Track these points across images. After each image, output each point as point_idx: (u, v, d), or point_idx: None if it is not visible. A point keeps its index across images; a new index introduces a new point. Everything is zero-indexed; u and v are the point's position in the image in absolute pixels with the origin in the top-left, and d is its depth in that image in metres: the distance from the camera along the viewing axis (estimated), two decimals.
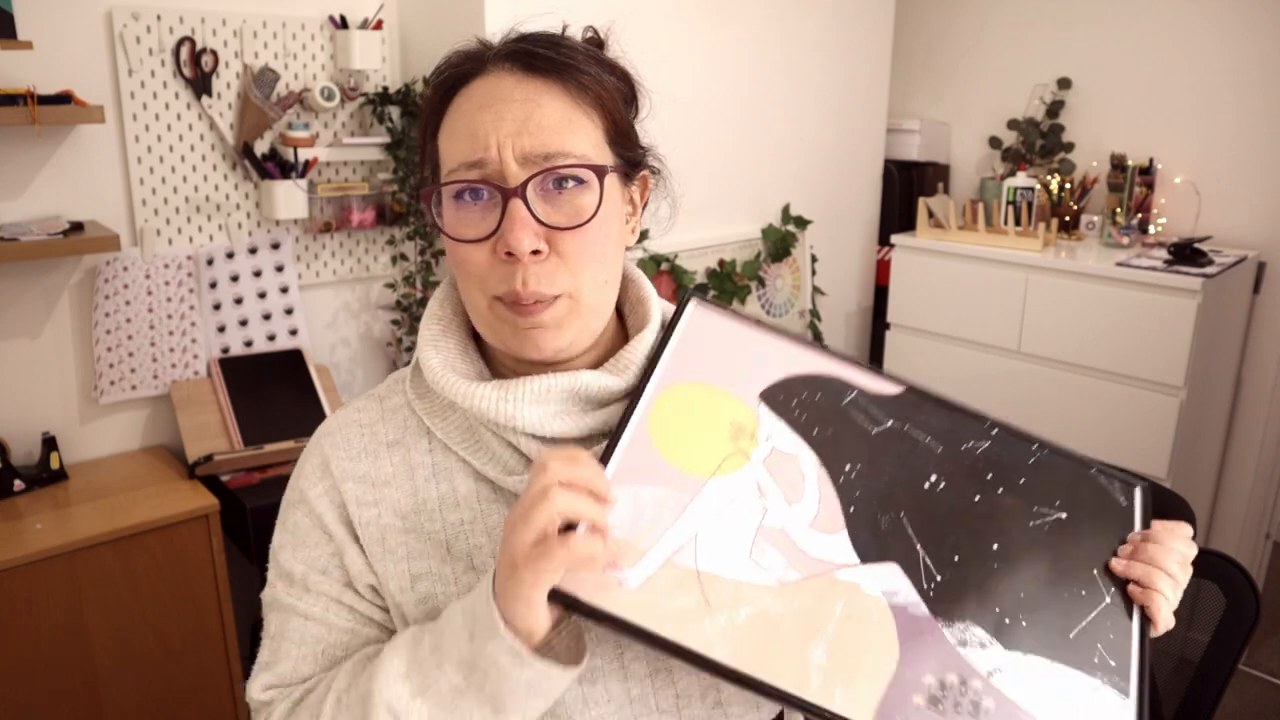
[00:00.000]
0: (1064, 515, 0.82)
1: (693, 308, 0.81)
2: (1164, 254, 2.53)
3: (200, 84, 2.09)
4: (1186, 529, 0.82)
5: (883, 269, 3.16)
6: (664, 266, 2.54)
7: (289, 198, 2.19)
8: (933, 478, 0.80)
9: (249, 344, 2.28)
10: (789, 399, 0.79)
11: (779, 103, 2.76)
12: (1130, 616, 0.79)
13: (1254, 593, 1.22)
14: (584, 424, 0.79)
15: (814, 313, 2.97)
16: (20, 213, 1.94)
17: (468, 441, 0.82)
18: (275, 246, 2.29)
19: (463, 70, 0.78)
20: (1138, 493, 0.85)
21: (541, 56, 0.76)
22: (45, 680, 1.78)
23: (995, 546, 0.78)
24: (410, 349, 2.43)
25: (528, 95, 0.75)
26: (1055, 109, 2.94)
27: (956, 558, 0.77)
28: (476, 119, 0.75)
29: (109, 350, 2.08)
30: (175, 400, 2.13)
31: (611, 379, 0.80)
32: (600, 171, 0.76)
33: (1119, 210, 2.75)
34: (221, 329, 2.24)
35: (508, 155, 0.74)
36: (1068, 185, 2.84)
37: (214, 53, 2.09)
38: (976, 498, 0.80)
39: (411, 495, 0.82)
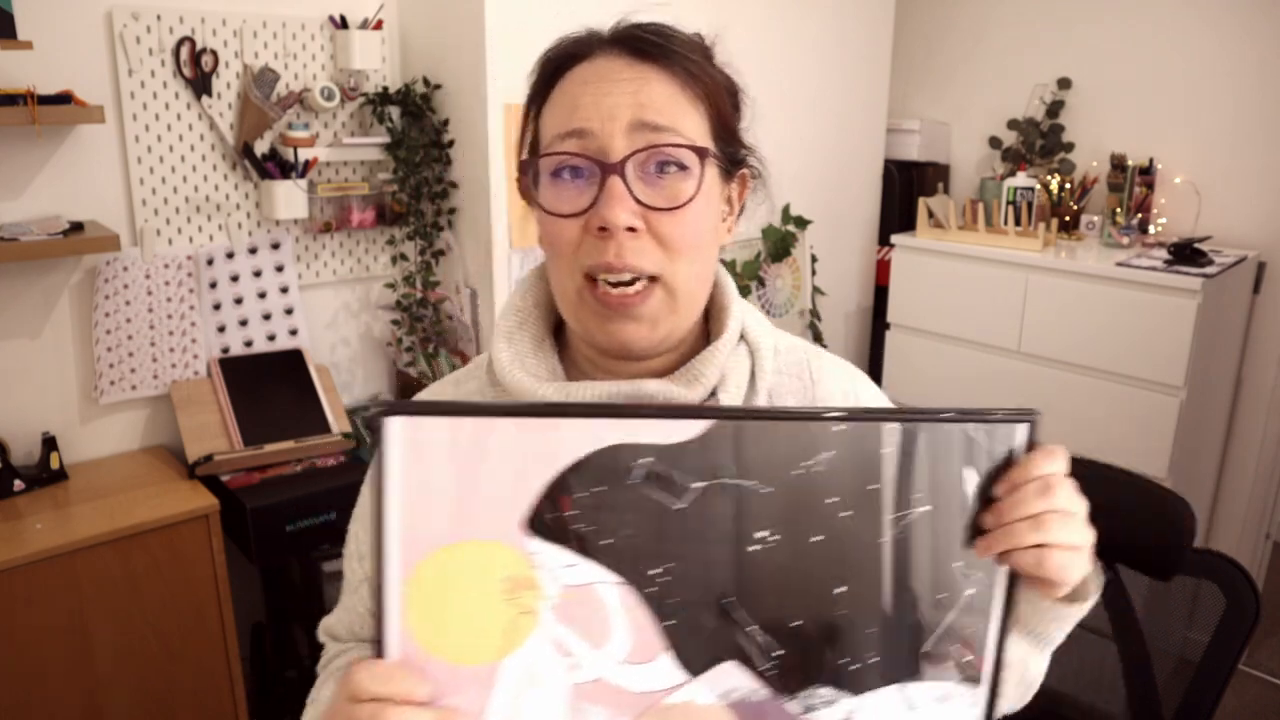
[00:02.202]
0: (928, 506, 0.67)
1: (397, 432, 0.61)
2: (1164, 254, 2.53)
3: (200, 84, 2.09)
4: (1046, 454, 0.66)
5: (883, 269, 3.16)
6: None
7: (289, 198, 2.20)
8: (761, 534, 0.66)
9: (249, 344, 2.28)
10: (563, 513, 0.64)
11: (779, 103, 2.76)
12: (990, 599, 0.69)
13: (1254, 593, 1.22)
14: None
15: (814, 312, 2.97)
16: (20, 213, 1.94)
17: None
18: (275, 246, 2.29)
19: (571, 52, 0.78)
20: (1019, 434, 0.67)
21: (651, 42, 0.76)
22: (45, 680, 1.78)
23: (840, 590, 0.67)
24: (410, 349, 2.43)
25: (636, 75, 0.74)
26: (1055, 109, 2.94)
27: (797, 622, 0.67)
28: (582, 93, 0.75)
29: (109, 350, 2.08)
30: (175, 400, 2.13)
31: (679, 391, 0.77)
32: (703, 154, 0.74)
33: (1119, 210, 2.75)
34: (221, 329, 2.24)
35: (613, 128, 0.73)
36: (1068, 185, 2.83)
37: (214, 53, 2.09)
38: (817, 537, 0.66)
39: None
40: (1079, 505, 0.66)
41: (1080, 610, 0.74)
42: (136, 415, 2.18)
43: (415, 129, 2.29)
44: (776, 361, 0.85)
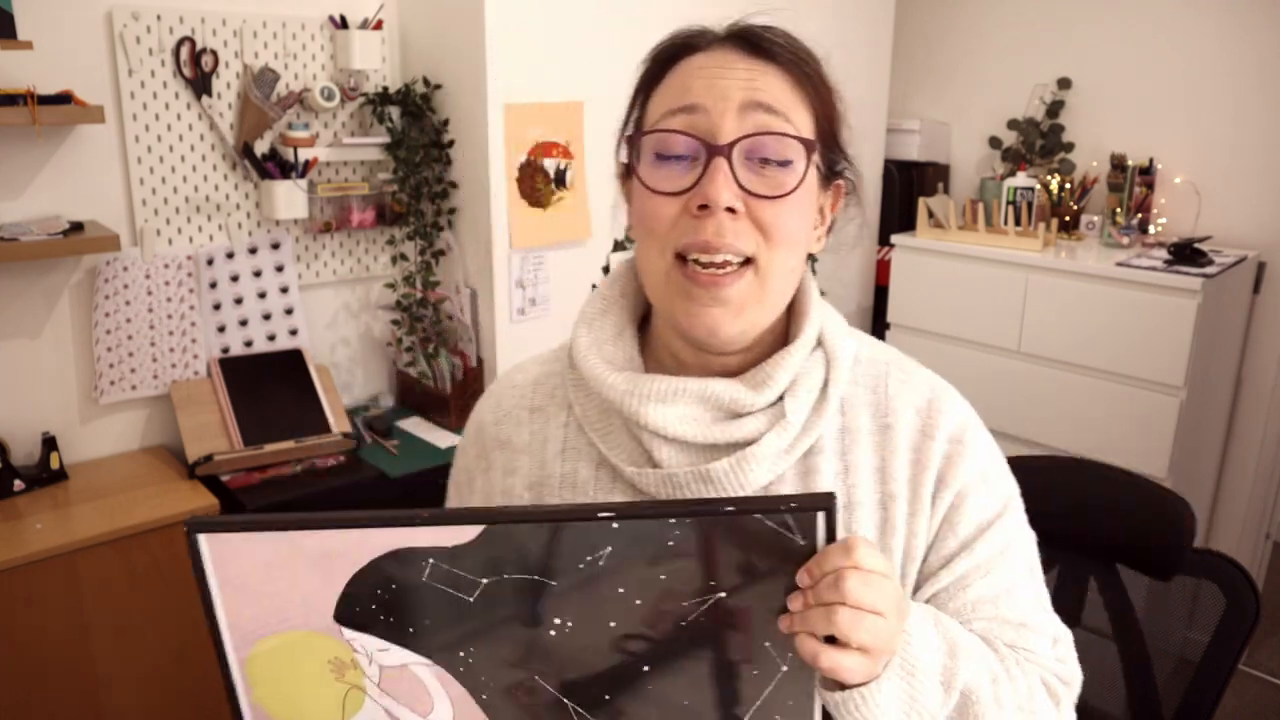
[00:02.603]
0: (722, 594, 0.66)
1: (205, 545, 0.68)
2: (1164, 254, 2.53)
3: (200, 84, 2.09)
4: (842, 547, 0.64)
5: (883, 269, 3.16)
6: None
7: (289, 198, 2.19)
8: (556, 620, 0.67)
9: (249, 344, 2.28)
10: (366, 607, 0.68)
11: None
12: (812, 674, 0.68)
13: (1254, 593, 1.22)
14: (712, 433, 0.77)
15: None
16: (20, 213, 1.94)
17: (600, 423, 0.82)
18: (275, 246, 2.29)
19: (685, 43, 0.78)
20: (819, 521, 0.65)
21: (767, 40, 0.77)
22: (45, 680, 1.78)
23: (646, 669, 0.68)
24: (410, 349, 2.43)
25: (751, 67, 0.75)
26: (1055, 109, 2.94)
27: (608, 696, 0.69)
28: (695, 76, 0.75)
29: (109, 350, 2.08)
30: (175, 400, 2.13)
31: (745, 394, 0.77)
32: (810, 146, 0.75)
33: (1119, 210, 2.75)
34: (221, 329, 2.24)
35: (724, 108, 0.73)
36: (1068, 185, 2.83)
37: (214, 53, 2.09)
38: (612, 623, 0.67)
39: (540, 468, 0.84)
40: (879, 601, 0.63)
41: (860, 698, 0.67)
42: (136, 415, 2.18)
43: (415, 129, 2.29)
44: (854, 371, 0.83)
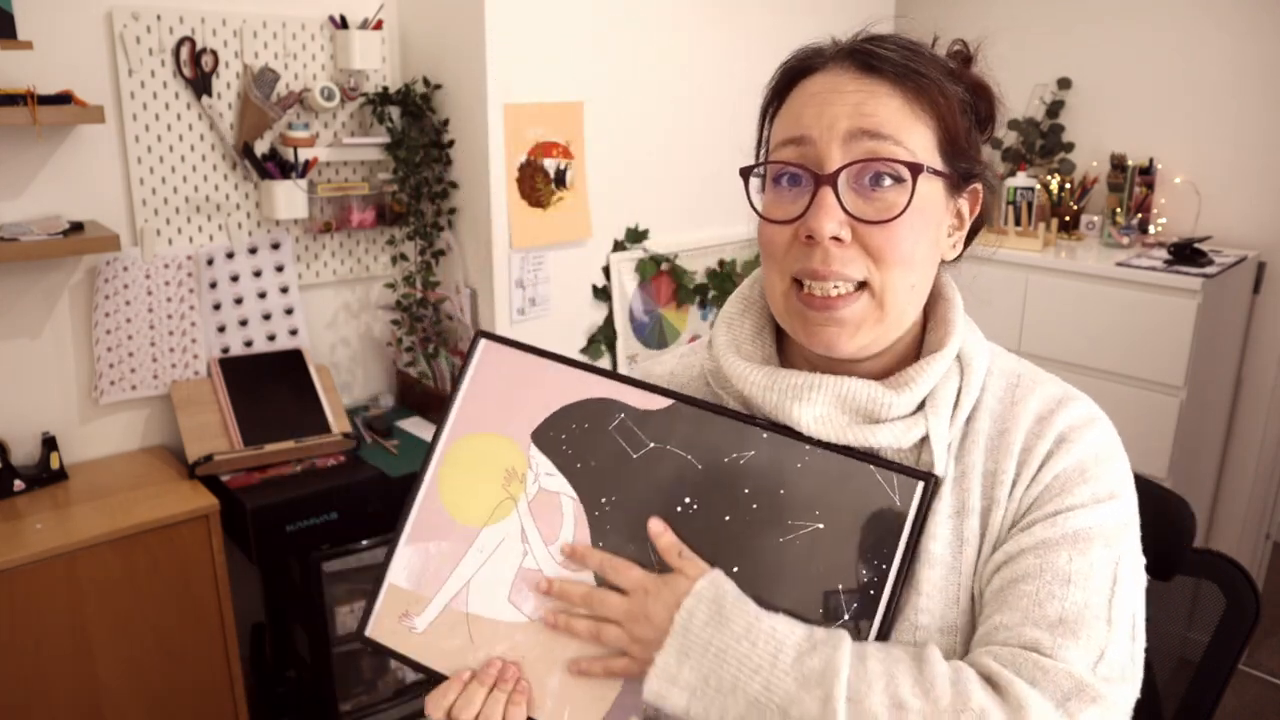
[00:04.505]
0: (821, 526, 0.76)
1: (484, 346, 0.88)
2: (1164, 254, 2.53)
3: (200, 84, 2.09)
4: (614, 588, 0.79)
5: None
6: (664, 266, 2.54)
7: (289, 198, 2.19)
8: (686, 499, 0.79)
9: (249, 344, 2.28)
10: (558, 434, 0.84)
11: None
12: (866, 636, 0.74)
13: (1254, 593, 1.22)
14: (846, 436, 0.78)
15: None
16: (20, 213, 1.94)
17: None
18: (275, 246, 2.29)
19: (806, 63, 0.81)
20: (918, 490, 0.75)
21: (881, 57, 0.77)
22: (45, 680, 1.78)
23: (736, 569, 0.76)
24: (410, 349, 2.43)
25: (861, 88, 0.76)
26: (1055, 109, 2.94)
27: None
28: (807, 103, 0.77)
29: (109, 350, 2.08)
30: (175, 400, 2.13)
31: (884, 394, 0.78)
32: (915, 169, 0.75)
33: (1119, 210, 2.75)
34: (221, 329, 2.24)
35: (830, 137, 0.75)
36: (1068, 185, 2.83)
37: (214, 53, 2.09)
38: (727, 517, 0.78)
39: None
40: (606, 611, 0.78)
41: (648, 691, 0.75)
42: (136, 415, 2.18)
43: (415, 129, 2.29)
44: (985, 382, 0.85)
